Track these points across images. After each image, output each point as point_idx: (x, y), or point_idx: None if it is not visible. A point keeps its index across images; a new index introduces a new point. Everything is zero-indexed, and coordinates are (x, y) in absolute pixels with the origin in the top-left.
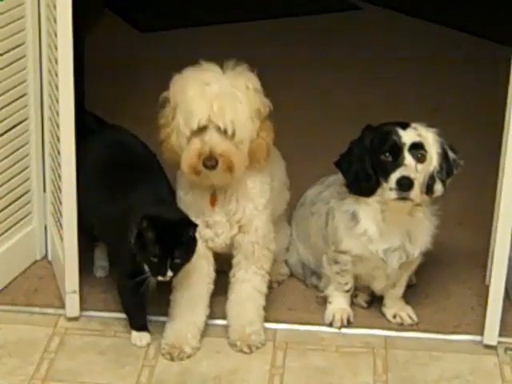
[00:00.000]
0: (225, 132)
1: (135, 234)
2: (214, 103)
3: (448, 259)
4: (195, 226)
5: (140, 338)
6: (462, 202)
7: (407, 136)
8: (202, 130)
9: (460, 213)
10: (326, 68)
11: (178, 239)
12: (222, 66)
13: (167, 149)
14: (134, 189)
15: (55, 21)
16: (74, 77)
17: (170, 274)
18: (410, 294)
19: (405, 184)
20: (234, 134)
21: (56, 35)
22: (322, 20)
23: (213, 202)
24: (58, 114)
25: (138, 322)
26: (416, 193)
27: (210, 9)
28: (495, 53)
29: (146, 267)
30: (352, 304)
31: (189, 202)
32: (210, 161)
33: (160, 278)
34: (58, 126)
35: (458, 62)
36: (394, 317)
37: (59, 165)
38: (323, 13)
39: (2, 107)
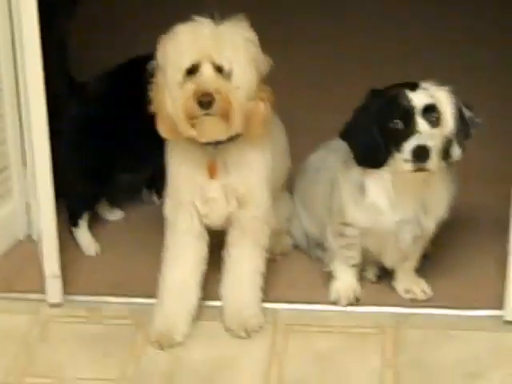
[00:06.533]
0: (221, 71)
1: None
2: (208, 41)
3: (468, 225)
4: None
5: None
6: (486, 161)
7: (418, 98)
8: (195, 71)
9: (482, 173)
10: (330, 16)
11: None
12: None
13: (162, 120)
14: None
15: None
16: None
17: None
18: (424, 266)
19: (421, 154)
20: (230, 75)
21: None
22: None
23: (212, 172)
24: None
25: None
26: (434, 162)
27: None
28: None
29: None
30: (360, 279)
31: (184, 175)
32: (205, 97)
33: None
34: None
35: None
36: (407, 292)
37: None
38: None
39: None
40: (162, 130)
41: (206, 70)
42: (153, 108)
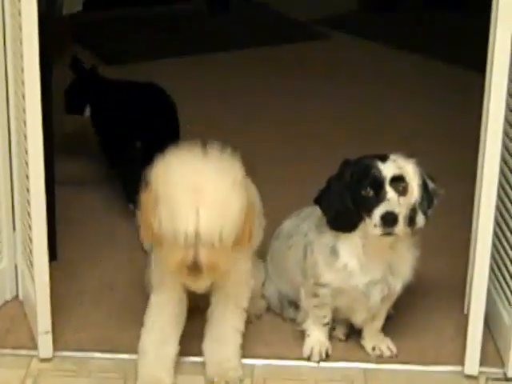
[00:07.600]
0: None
1: None
2: (200, 210)
3: (426, 289)
4: None
5: None
6: (439, 230)
7: (387, 169)
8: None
9: (437, 241)
10: (298, 98)
11: None
12: (205, 152)
13: (148, 235)
14: None
15: (22, 57)
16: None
17: None
18: (389, 326)
19: (389, 219)
20: (221, 239)
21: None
22: (290, 50)
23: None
24: (26, 152)
25: None
26: (400, 227)
27: (176, 41)
28: (469, 80)
29: None
30: (330, 337)
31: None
32: (194, 270)
33: None
34: (26, 164)
35: (431, 90)
36: (373, 349)
37: (28, 202)
38: (290, 43)
39: None
40: (145, 237)
41: (198, 248)
42: (140, 219)
